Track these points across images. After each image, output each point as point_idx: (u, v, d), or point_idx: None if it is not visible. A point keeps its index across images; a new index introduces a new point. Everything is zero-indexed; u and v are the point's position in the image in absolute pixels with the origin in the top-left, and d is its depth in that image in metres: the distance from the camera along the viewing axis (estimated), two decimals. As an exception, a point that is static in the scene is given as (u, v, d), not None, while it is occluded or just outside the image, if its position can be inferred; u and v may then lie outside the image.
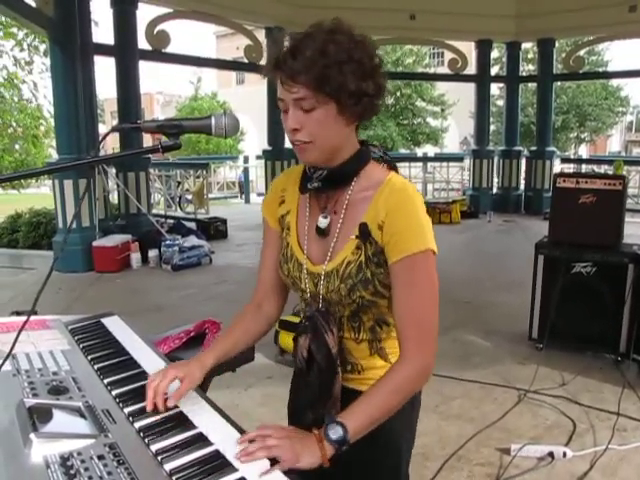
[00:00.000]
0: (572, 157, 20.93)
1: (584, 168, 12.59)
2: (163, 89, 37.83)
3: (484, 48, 11.17)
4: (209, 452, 0.99)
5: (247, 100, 22.73)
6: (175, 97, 33.38)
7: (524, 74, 14.33)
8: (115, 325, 1.60)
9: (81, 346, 1.42)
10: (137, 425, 1.06)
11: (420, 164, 14.36)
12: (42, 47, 12.61)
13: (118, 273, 6.51)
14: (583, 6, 9.38)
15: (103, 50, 7.63)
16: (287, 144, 9.96)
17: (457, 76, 11.63)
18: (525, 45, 12.51)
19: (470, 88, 11.89)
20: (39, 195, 15.98)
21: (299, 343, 1.26)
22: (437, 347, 1.18)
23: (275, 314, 1.38)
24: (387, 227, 1.13)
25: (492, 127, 13.27)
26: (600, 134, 28.58)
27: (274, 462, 0.97)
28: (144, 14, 8.07)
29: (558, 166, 12.62)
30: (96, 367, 1.30)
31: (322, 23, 1.11)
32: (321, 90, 1.07)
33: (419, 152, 23.36)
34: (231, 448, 1.00)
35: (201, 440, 1.03)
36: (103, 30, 8.43)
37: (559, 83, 17.66)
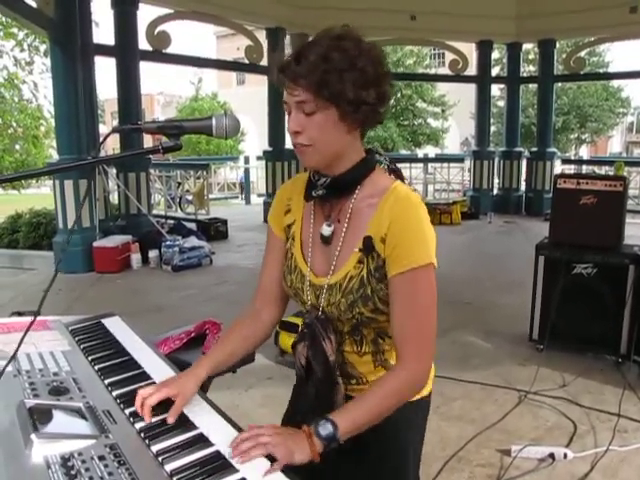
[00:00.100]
0: (573, 158, 20.93)
1: (585, 169, 12.60)
2: (164, 89, 37.94)
3: (485, 49, 11.17)
4: (210, 453, 0.99)
5: (248, 101, 22.76)
6: (176, 98, 33.42)
7: (525, 75, 14.32)
8: (116, 326, 1.60)
9: (82, 347, 1.42)
10: (138, 426, 1.06)
11: (421, 165, 14.36)
12: (42, 47, 12.63)
13: (118, 274, 6.51)
14: (584, 7, 9.38)
15: (104, 50, 7.63)
16: (288, 145, 9.97)
17: (458, 77, 11.64)
18: (526, 46, 12.51)
19: (471, 89, 11.89)
20: (39, 195, 15.98)
21: (297, 350, 1.26)
22: (433, 358, 1.19)
23: (274, 321, 1.38)
24: (390, 239, 1.13)
25: (493, 128, 13.27)
26: (601, 135, 28.59)
27: (272, 460, 0.98)
28: (145, 15, 8.08)
29: (559, 167, 12.62)
30: (97, 368, 1.30)
31: (331, 29, 1.12)
32: (320, 95, 1.08)
33: (420, 153, 23.41)
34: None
35: (202, 441, 1.03)
36: (104, 31, 8.45)
37: (560, 84, 17.68)
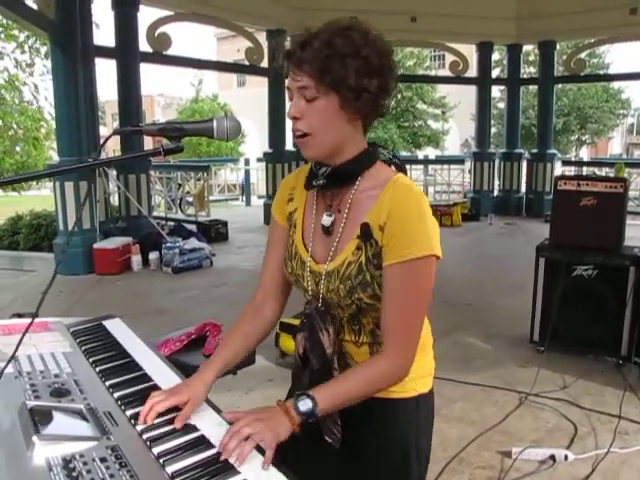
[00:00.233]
0: (573, 160, 20.91)
1: (585, 171, 12.59)
2: (164, 91, 37.87)
3: (485, 50, 11.19)
4: (211, 455, 0.99)
5: (248, 102, 22.76)
6: (176, 99, 33.44)
7: (525, 76, 14.32)
8: (116, 327, 1.60)
9: (83, 348, 1.42)
10: (139, 428, 1.06)
11: (421, 166, 14.35)
12: (43, 49, 12.64)
13: (119, 275, 6.51)
14: (584, 9, 9.39)
15: (104, 52, 7.64)
16: (288, 147, 9.98)
17: (458, 78, 11.64)
18: (526, 47, 12.52)
19: (471, 90, 11.90)
20: (40, 197, 15.99)
21: (297, 340, 1.27)
22: (416, 351, 1.18)
23: (275, 316, 1.38)
24: (388, 228, 1.13)
25: (493, 129, 13.28)
26: (601, 136, 28.61)
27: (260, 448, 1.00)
28: (145, 16, 8.09)
29: (559, 169, 12.63)
30: (98, 369, 1.30)
31: (339, 20, 1.14)
32: (323, 80, 1.08)
33: (420, 154, 23.41)
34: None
35: (203, 443, 1.03)
36: (104, 32, 8.46)
37: (560, 85, 17.66)
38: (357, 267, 1.16)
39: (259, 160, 14.82)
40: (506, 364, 3.85)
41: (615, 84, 25.41)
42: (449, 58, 12.03)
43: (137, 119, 7.83)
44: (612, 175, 8.29)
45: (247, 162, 17.94)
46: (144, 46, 8.09)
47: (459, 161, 14.41)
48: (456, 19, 9.99)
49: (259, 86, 11.86)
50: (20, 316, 1.71)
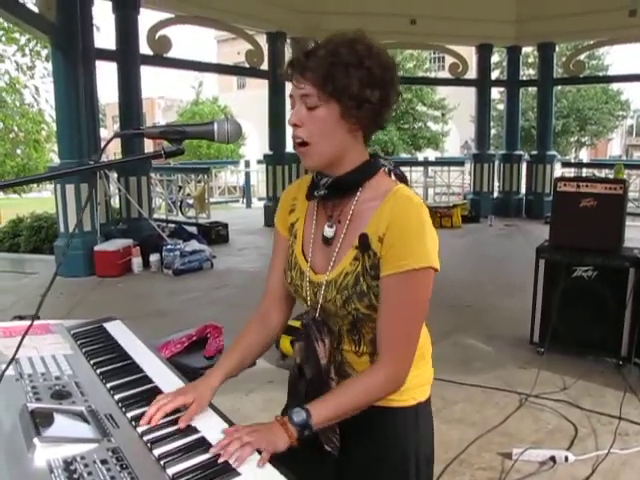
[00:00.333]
0: (573, 161, 20.90)
1: (585, 172, 12.58)
2: (164, 94, 37.91)
3: (484, 52, 11.20)
4: (212, 456, 0.99)
5: (248, 105, 22.77)
6: (176, 102, 33.42)
7: (524, 78, 14.34)
8: (117, 330, 1.61)
9: (84, 350, 1.42)
10: (140, 430, 1.06)
11: (421, 168, 14.36)
12: (44, 52, 12.66)
13: (119, 277, 6.51)
14: (583, 10, 9.40)
15: (105, 55, 7.65)
16: (288, 149, 9.99)
17: (458, 80, 11.66)
18: (525, 49, 12.53)
19: (471, 92, 11.91)
20: (40, 199, 16.01)
21: (295, 349, 1.27)
22: (412, 361, 1.19)
23: (280, 325, 1.38)
24: (387, 239, 1.13)
25: (493, 131, 13.28)
26: (601, 138, 28.63)
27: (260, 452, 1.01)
28: (146, 19, 8.11)
29: (559, 170, 12.62)
30: (99, 371, 1.30)
31: (345, 33, 1.14)
32: (325, 88, 1.09)
33: (420, 156, 23.39)
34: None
35: (203, 445, 1.03)
36: (105, 35, 8.47)
37: (559, 87, 17.67)
38: (354, 277, 1.16)
39: (259, 162, 14.83)
40: (506, 365, 3.85)
41: (614, 86, 25.42)
42: (449, 60, 12.05)
43: (138, 121, 7.84)
44: (611, 176, 8.30)
45: (247, 164, 17.94)
46: (145, 49, 8.11)
47: (459, 163, 14.43)
48: (455, 21, 10.00)
49: (259, 88, 11.87)
50: (21, 318, 1.72)
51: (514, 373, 3.71)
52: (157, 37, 8.29)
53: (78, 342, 1.48)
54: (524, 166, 11.59)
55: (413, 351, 1.18)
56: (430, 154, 24.34)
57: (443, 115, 25.66)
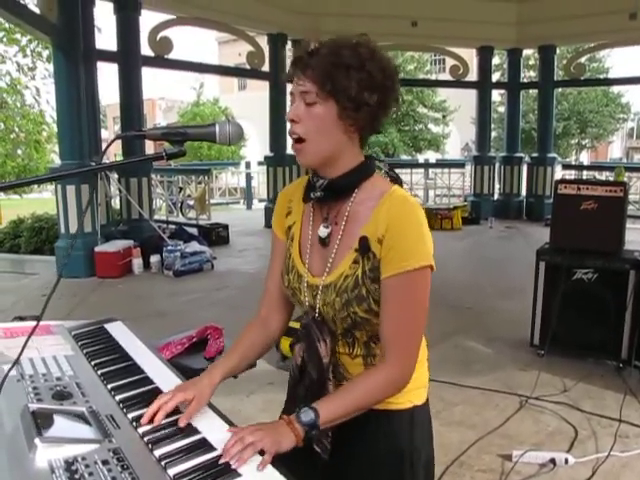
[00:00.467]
0: (573, 163, 20.90)
1: (585, 175, 12.60)
2: (165, 95, 37.90)
3: (485, 55, 11.21)
4: (212, 457, 1.00)
5: (249, 106, 22.78)
6: (177, 103, 33.40)
7: (525, 81, 14.38)
8: (118, 331, 1.61)
9: (84, 351, 1.42)
10: (141, 430, 1.06)
11: (421, 170, 14.37)
12: (45, 53, 12.69)
13: (120, 279, 6.52)
14: (584, 13, 9.42)
15: (106, 56, 7.67)
16: (289, 150, 9.99)
17: (458, 82, 11.67)
18: (526, 52, 12.55)
19: (471, 94, 11.93)
20: (41, 200, 16.02)
21: (295, 351, 1.28)
22: (416, 360, 1.20)
23: (280, 328, 1.39)
24: (387, 240, 1.14)
25: (493, 133, 13.29)
26: (601, 140, 28.61)
27: (263, 454, 1.01)
28: (147, 21, 8.13)
29: (559, 172, 12.62)
30: (99, 372, 1.30)
31: (350, 36, 1.15)
32: (324, 87, 1.10)
33: (420, 158, 23.41)
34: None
35: (204, 445, 1.03)
36: (106, 36, 8.49)
37: (560, 90, 17.71)
38: (354, 281, 1.17)
39: (260, 164, 14.84)
40: (506, 367, 3.86)
41: (615, 88, 25.41)
42: (449, 62, 12.03)
43: (139, 123, 7.85)
44: (612, 179, 8.30)
45: (248, 165, 17.95)
46: (146, 50, 8.12)
47: (459, 165, 14.42)
48: (456, 24, 10.01)
49: (260, 90, 11.88)
50: (22, 319, 1.71)
51: (514, 375, 3.71)
52: (158, 38, 8.30)
53: (79, 343, 1.48)
54: (525, 168, 11.60)
55: (417, 350, 1.19)
56: (431, 156, 24.33)
57: (444, 117, 25.65)
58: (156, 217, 9.51)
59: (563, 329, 3.80)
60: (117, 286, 6.27)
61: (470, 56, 11.64)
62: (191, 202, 11.60)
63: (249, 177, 16.09)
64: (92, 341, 1.51)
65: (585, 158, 29.24)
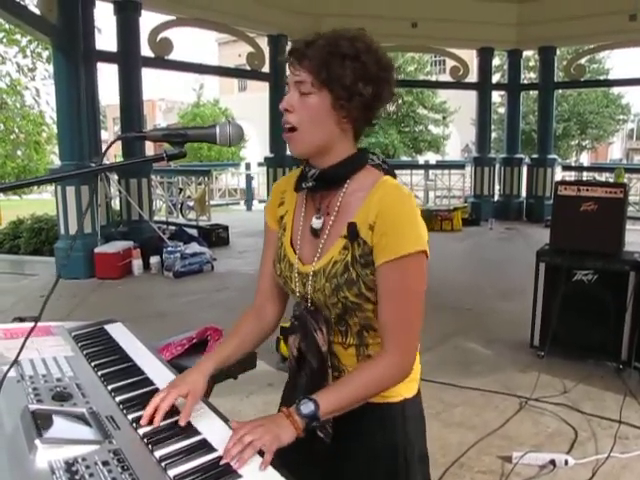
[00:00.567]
0: (573, 165, 20.93)
1: (585, 176, 12.59)
2: (165, 96, 37.99)
3: (485, 56, 11.22)
4: (213, 458, 0.99)
5: (249, 107, 22.78)
6: (177, 104, 33.43)
7: (525, 82, 14.37)
8: (118, 332, 1.61)
9: (84, 352, 1.43)
10: (141, 431, 1.06)
11: (422, 171, 14.37)
12: (45, 54, 12.69)
13: (120, 280, 6.52)
14: (584, 15, 9.42)
15: (106, 57, 7.68)
16: (289, 151, 9.99)
17: (458, 84, 11.68)
18: (526, 53, 12.56)
19: (471, 96, 11.93)
20: (41, 201, 16.02)
21: (289, 342, 1.28)
22: (417, 349, 1.20)
23: (275, 319, 1.39)
24: (378, 227, 1.14)
25: (493, 134, 13.30)
26: (601, 142, 28.63)
27: (263, 453, 1.01)
28: (147, 21, 8.13)
29: (559, 174, 12.63)
30: (100, 373, 1.30)
31: (347, 30, 1.16)
32: (319, 76, 1.11)
33: (421, 159, 23.41)
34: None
35: (205, 446, 1.03)
36: (106, 37, 8.50)
37: (560, 91, 17.71)
38: (343, 266, 1.17)
39: (260, 165, 14.83)
40: (506, 369, 3.85)
41: (615, 89, 25.43)
42: (450, 63, 12.03)
43: (139, 123, 7.86)
44: (612, 180, 8.31)
45: (248, 167, 17.96)
46: (146, 51, 8.12)
47: (459, 166, 14.42)
48: (457, 25, 10.02)
49: (260, 91, 11.88)
50: (21, 320, 1.71)
51: (514, 376, 3.71)
52: (158, 39, 8.31)
53: (79, 344, 1.48)
54: (525, 169, 11.60)
55: (416, 338, 1.18)
56: (431, 157, 24.33)
57: (444, 118, 25.65)
58: (156, 218, 9.51)
59: (563, 330, 3.80)
60: (117, 287, 6.27)
61: (470, 57, 11.64)
62: (191, 203, 11.60)
63: (249, 178, 16.10)
64: (92, 342, 1.51)
65: (585, 159, 29.25)
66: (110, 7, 7.67)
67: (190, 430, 1.08)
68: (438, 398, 3.34)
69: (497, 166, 11.71)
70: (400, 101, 24.12)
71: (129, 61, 7.71)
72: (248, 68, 10.01)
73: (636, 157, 35.42)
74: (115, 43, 7.74)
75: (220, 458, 0.99)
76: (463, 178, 13.74)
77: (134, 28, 7.79)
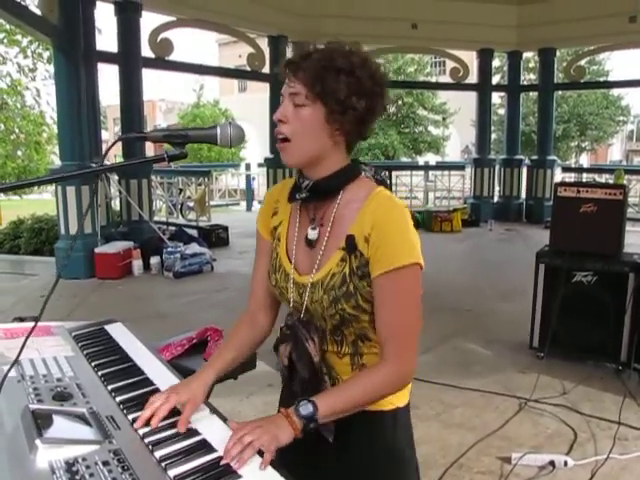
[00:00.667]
0: (573, 166, 20.94)
1: (585, 177, 12.61)
2: (165, 96, 37.93)
3: (485, 57, 11.23)
4: (213, 458, 1.00)
5: (249, 107, 22.78)
6: (177, 104, 33.44)
7: (525, 83, 14.37)
8: (118, 332, 1.61)
9: (85, 352, 1.43)
10: (141, 431, 1.06)
11: (421, 172, 14.38)
12: (46, 54, 12.70)
13: (120, 280, 6.52)
14: (584, 16, 9.43)
15: (106, 57, 7.68)
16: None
17: (458, 85, 11.68)
18: (526, 54, 12.56)
19: (471, 97, 11.93)
20: (41, 201, 16.02)
21: (279, 351, 1.28)
22: (415, 357, 1.20)
23: (269, 325, 1.40)
24: (373, 239, 1.15)
25: (493, 136, 13.30)
26: (601, 143, 28.63)
27: (262, 453, 1.01)
28: (147, 22, 8.13)
29: (559, 175, 12.63)
30: (100, 373, 1.31)
31: (343, 44, 1.18)
32: (313, 89, 1.12)
33: (420, 160, 23.42)
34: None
35: (204, 447, 1.03)
36: (107, 38, 8.50)
37: (560, 92, 17.74)
38: (341, 278, 1.17)
39: (260, 165, 14.83)
40: (506, 370, 3.86)
41: (615, 91, 25.45)
42: (450, 65, 12.03)
43: (139, 124, 7.86)
44: (612, 182, 8.31)
45: (248, 167, 17.96)
46: (146, 51, 8.12)
47: (459, 167, 14.43)
48: (457, 26, 10.03)
49: (260, 91, 11.89)
50: (22, 320, 1.72)
51: (513, 377, 3.72)
52: (159, 40, 8.31)
53: (79, 344, 1.49)
54: (524, 171, 11.60)
55: (412, 347, 1.19)
56: (431, 158, 24.35)
57: (444, 119, 25.65)
58: (156, 218, 9.51)
59: (563, 331, 3.80)
60: (117, 287, 6.27)
61: (470, 58, 11.64)
62: (191, 204, 11.60)
63: (249, 179, 16.10)
64: (92, 342, 1.51)
65: (585, 160, 29.26)
66: (111, 8, 7.67)
67: (190, 431, 1.08)
68: (438, 399, 3.35)
69: (497, 167, 11.71)
70: (400, 102, 24.14)
71: (129, 62, 7.71)
72: (248, 69, 10.01)
73: (636, 158, 35.43)
74: (116, 44, 7.74)
75: (220, 458, 0.99)
76: (463, 179, 13.74)
77: (135, 29, 7.79)
